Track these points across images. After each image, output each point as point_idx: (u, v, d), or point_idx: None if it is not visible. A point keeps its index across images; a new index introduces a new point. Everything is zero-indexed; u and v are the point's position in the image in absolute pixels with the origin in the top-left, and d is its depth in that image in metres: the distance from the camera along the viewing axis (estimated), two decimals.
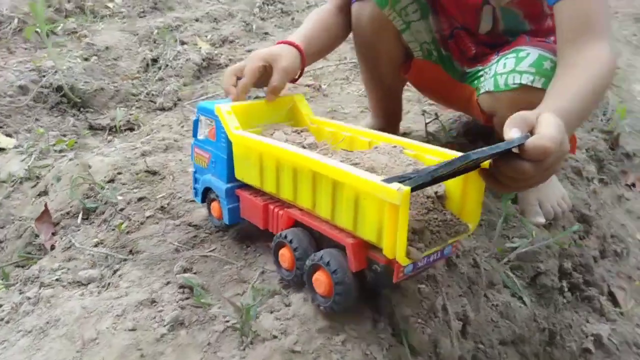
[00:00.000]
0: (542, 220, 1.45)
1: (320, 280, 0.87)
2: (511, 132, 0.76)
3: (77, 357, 0.89)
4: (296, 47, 1.22)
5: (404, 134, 1.79)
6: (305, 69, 1.30)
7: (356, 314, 0.95)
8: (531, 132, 0.77)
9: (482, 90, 1.27)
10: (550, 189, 1.50)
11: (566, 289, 1.54)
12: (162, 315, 0.97)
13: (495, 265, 1.31)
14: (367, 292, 0.93)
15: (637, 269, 1.83)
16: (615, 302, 1.64)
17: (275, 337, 0.88)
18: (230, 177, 1.10)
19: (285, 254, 0.95)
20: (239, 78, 1.17)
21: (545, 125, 0.76)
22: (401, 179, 0.74)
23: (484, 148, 0.73)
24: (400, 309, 0.99)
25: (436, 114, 1.79)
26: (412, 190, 0.73)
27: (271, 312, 0.92)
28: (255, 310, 0.91)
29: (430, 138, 1.75)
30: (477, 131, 1.76)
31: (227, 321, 0.92)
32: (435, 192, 0.92)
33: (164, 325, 0.94)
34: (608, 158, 2.17)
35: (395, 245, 0.75)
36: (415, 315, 1.00)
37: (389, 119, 1.70)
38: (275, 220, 1.01)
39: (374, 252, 0.84)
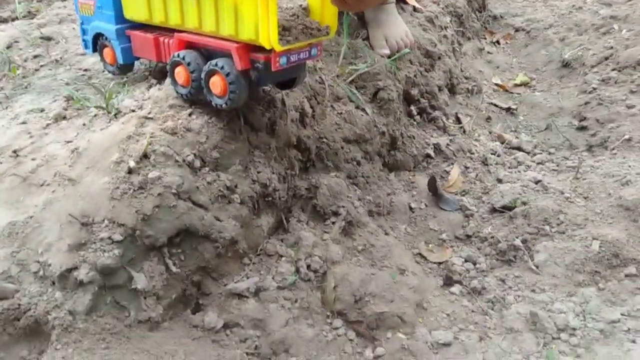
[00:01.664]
0: (386, 51, 1.74)
1: (216, 82, 1.07)
2: None
3: None
4: None
5: None
6: None
7: (204, 102, 1.22)
8: None
9: None
10: (394, 27, 1.78)
11: (415, 113, 1.88)
12: (48, 114, 1.21)
13: (341, 84, 1.60)
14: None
15: (486, 103, 2.18)
16: (459, 123, 1.99)
17: (133, 110, 1.14)
18: (119, 18, 1.18)
19: (180, 72, 1.12)
20: None
21: None
22: None
23: None
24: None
25: None
26: None
27: (131, 98, 1.18)
28: (119, 99, 1.17)
29: None
30: None
31: (98, 106, 1.17)
32: (300, 5, 1.16)
33: (49, 119, 1.19)
34: (471, 16, 2.47)
35: (268, 34, 0.96)
36: (256, 105, 1.29)
37: None
38: (167, 49, 1.16)
39: (255, 53, 1.05)
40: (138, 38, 1.20)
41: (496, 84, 2.34)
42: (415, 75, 1.84)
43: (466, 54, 2.36)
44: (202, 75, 1.09)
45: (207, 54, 1.11)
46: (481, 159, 1.84)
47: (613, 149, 1.77)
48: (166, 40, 1.16)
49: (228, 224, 1.15)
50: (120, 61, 1.24)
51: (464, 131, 1.96)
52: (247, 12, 0.99)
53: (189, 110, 1.16)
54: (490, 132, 2.03)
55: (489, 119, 2.09)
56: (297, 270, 1.25)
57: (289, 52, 1.06)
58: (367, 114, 1.62)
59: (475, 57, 2.42)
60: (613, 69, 2.18)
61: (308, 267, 1.27)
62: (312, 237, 1.32)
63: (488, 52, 2.52)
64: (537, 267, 1.34)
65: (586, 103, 2.06)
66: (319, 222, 1.40)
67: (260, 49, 1.02)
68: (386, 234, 1.50)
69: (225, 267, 1.18)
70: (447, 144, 1.84)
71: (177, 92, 1.16)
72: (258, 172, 1.24)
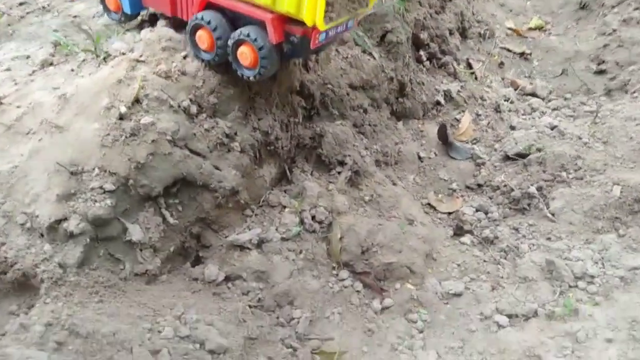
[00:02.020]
0: None
1: (245, 53, 0.97)
2: None
3: None
4: None
5: None
6: None
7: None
8: None
9: None
10: None
11: (425, 58, 1.78)
12: (34, 61, 1.14)
13: None
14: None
15: (499, 48, 2.07)
16: (471, 68, 1.89)
17: (123, 54, 1.06)
18: None
19: (203, 36, 1.00)
20: None
21: None
22: None
23: None
24: None
25: None
26: None
27: (122, 41, 1.10)
28: (109, 42, 1.09)
29: None
30: None
31: (87, 50, 1.09)
32: None
33: (35, 66, 1.11)
34: None
35: (315, 12, 0.87)
36: None
37: None
38: (185, 5, 1.04)
39: (290, 25, 0.95)
40: None
41: (509, 28, 2.21)
42: (424, 18, 1.73)
43: None
44: (230, 43, 0.98)
45: (233, 17, 0.99)
46: (493, 106, 1.75)
47: (634, 92, 1.68)
48: None
49: (228, 173, 1.09)
50: (127, 11, 1.11)
51: (476, 77, 1.86)
52: None
53: (183, 53, 1.08)
54: (502, 78, 1.93)
55: (501, 64, 1.98)
56: (302, 222, 1.20)
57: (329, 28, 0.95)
58: (374, 58, 1.53)
59: (487, 0, 2.28)
60: (635, 9, 2.04)
61: (313, 218, 1.22)
62: (316, 188, 1.26)
63: None
64: (553, 214, 1.28)
65: (605, 46, 1.95)
66: (323, 172, 1.34)
67: (296, 20, 0.91)
68: (394, 184, 1.44)
69: (226, 219, 1.13)
70: (458, 91, 1.75)
71: (198, 57, 1.05)
72: (259, 120, 1.17)
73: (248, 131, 1.14)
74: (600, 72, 1.86)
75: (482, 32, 2.05)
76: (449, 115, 1.70)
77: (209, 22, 0.99)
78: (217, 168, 1.08)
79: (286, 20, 0.94)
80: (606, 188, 1.23)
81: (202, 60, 1.06)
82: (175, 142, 1.00)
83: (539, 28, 2.26)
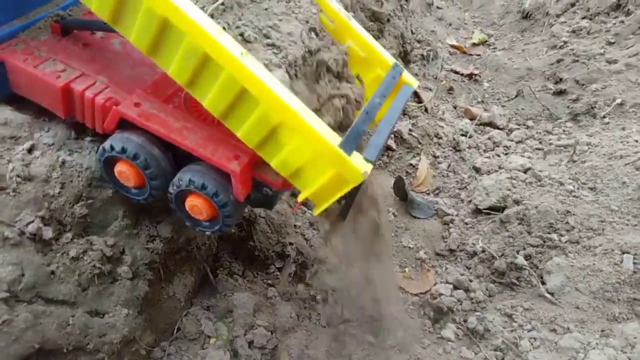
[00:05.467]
0: None
1: (199, 207, 0.67)
2: None
3: None
4: None
5: None
6: None
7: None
8: None
9: None
10: None
11: None
12: None
13: None
14: None
15: (445, 71, 1.83)
16: (420, 101, 1.63)
17: None
18: None
19: (126, 171, 0.68)
20: None
21: None
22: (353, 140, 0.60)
23: None
24: None
25: None
26: None
27: None
28: None
29: None
30: None
31: None
32: None
33: None
34: None
35: (325, 204, 0.63)
36: None
37: None
38: (89, 113, 0.70)
39: (263, 172, 0.65)
40: (24, 74, 0.71)
41: (452, 46, 1.99)
42: None
43: (414, 12, 1.98)
44: (172, 189, 0.68)
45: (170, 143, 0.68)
46: (451, 144, 1.49)
47: (604, 116, 1.48)
48: (90, 94, 0.69)
49: (116, 316, 0.74)
50: None
51: (426, 109, 1.60)
52: (295, 149, 0.60)
53: (27, 144, 0.72)
54: (455, 107, 1.68)
55: (451, 90, 1.74)
56: (235, 354, 0.87)
57: None
58: None
59: (424, 15, 2.05)
60: (583, 17, 1.88)
61: (250, 344, 0.89)
62: (251, 300, 0.93)
63: (437, 8, 2.16)
64: (551, 294, 1.02)
65: (559, 61, 1.75)
66: (259, 269, 1.01)
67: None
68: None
69: None
70: (410, 130, 1.47)
71: (128, 195, 0.73)
72: (157, 223, 0.82)
73: (142, 244, 0.79)
74: (560, 93, 1.65)
75: (424, 53, 1.80)
76: (402, 161, 1.42)
77: (124, 151, 0.66)
78: (96, 313, 0.72)
79: (257, 163, 0.66)
80: (614, 258, 0.99)
81: (134, 199, 0.74)
82: (17, 298, 0.63)
83: (483, 43, 2.05)
